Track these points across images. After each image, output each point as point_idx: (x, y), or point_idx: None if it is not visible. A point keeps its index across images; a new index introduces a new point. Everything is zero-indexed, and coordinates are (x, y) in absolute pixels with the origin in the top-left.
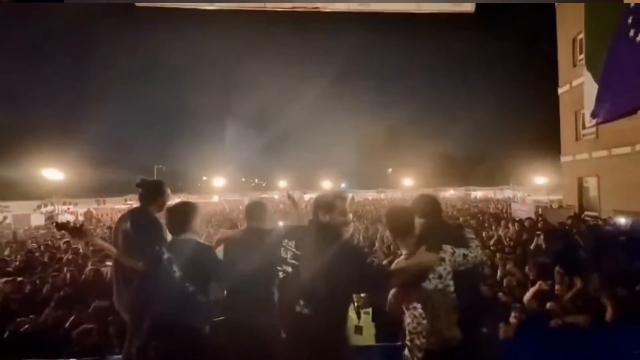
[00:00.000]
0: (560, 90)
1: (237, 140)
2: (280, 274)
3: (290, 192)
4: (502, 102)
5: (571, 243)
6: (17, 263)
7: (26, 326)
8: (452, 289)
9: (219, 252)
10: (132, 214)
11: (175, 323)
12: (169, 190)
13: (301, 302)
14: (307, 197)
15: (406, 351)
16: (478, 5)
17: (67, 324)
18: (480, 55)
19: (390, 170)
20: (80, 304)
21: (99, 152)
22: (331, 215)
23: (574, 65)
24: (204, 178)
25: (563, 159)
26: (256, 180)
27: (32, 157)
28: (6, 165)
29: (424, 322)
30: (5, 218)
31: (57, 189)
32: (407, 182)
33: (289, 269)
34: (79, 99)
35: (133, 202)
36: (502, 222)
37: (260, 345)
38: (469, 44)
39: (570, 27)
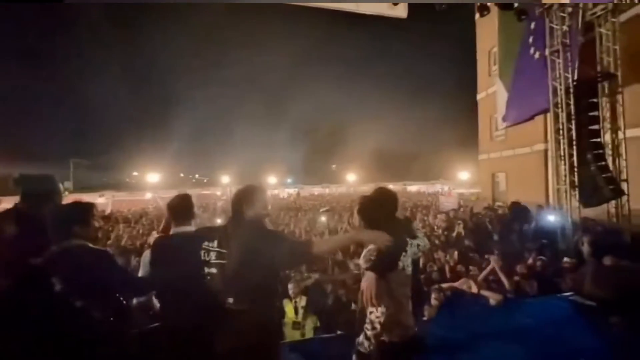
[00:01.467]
0: (478, 97)
1: (176, 133)
2: (204, 278)
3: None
4: (433, 104)
5: (483, 229)
6: None
7: None
8: (410, 278)
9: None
10: (12, 217)
11: (62, 346)
12: (61, 188)
13: (231, 300)
14: None
15: (364, 343)
16: (410, 12)
17: None
18: (414, 60)
19: (334, 166)
20: None
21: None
22: (254, 208)
23: (490, 75)
24: (135, 173)
25: (480, 156)
26: (197, 175)
27: None
28: None
29: (387, 312)
30: None
31: None
32: (351, 177)
33: (214, 270)
34: None
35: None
36: (431, 213)
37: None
38: (403, 49)
39: (487, 40)
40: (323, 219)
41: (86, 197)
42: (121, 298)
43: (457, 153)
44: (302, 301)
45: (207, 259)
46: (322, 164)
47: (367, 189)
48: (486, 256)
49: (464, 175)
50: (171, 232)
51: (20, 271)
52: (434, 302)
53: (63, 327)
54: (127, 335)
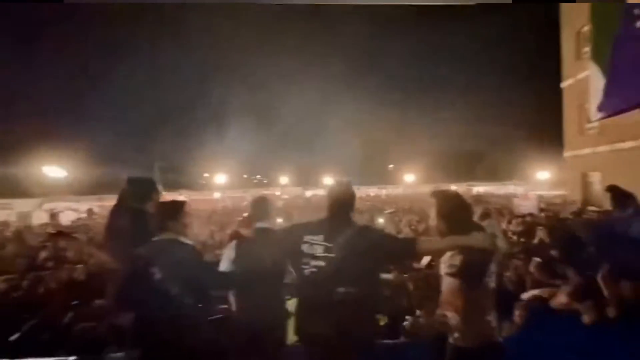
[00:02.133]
0: (563, 84)
1: (239, 137)
2: (310, 270)
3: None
4: (504, 96)
5: (574, 238)
6: (19, 261)
7: (29, 324)
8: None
9: (231, 249)
10: (123, 212)
11: (160, 327)
12: (160, 188)
13: (342, 290)
14: (308, 193)
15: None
16: None
17: (66, 321)
18: (483, 49)
19: (391, 166)
20: (80, 303)
21: (99, 150)
22: (351, 206)
23: (578, 58)
24: (206, 175)
25: (566, 153)
26: (258, 176)
27: (34, 154)
28: (8, 163)
29: (466, 319)
30: (8, 216)
31: (60, 187)
32: (409, 178)
33: (321, 263)
34: (79, 96)
35: None
36: (505, 218)
37: (271, 345)
38: (471, 38)
39: (575, 19)
40: (381, 220)
41: (169, 196)
42: (206, 288)
43: (534, 150)
44: None
45: (312, 252)
46: (378, 164)
47: (427, 190)
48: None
49: (542, 174)
50: (254, 227)
51: (129, 258)
52: (517, 318)
53: (163, 313)
54: (212, 322)
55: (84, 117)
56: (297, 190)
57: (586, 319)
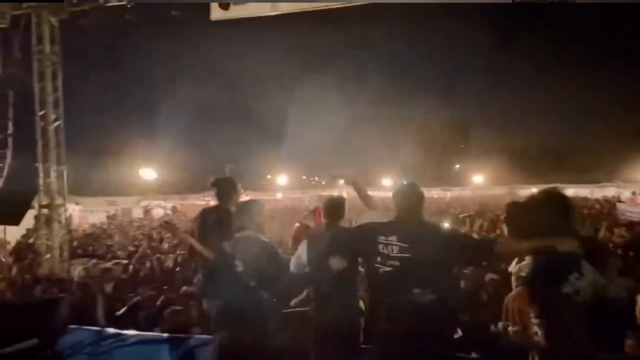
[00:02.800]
0: None
1: (298, 139)
2: (384, 270)
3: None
4: (600, 81)
5: None
6: (121, 252)
7: (130, 303)
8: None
9: (303, 247)
10: (210, 211)
11: (238, 315)
12: (240, 187)
13: (417, 291)
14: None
15: None
16: None
17: (160, 303)
18: (572, 33)
19: (457, 166)
20: (170, 288)
21: (180, 154)
22: (421, 207)
23: None
24: (268, 176)
25: None
26: (316, 178)
27: (130, 158)
28: (112, 165)
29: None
30: (116, 211)
31: (151, 187)
32: (478, 179)
33: (397, 263)
34: (156, 106)
35: (209, 199)
36: (605, 225)
37: (345, 343)
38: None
39: None
40: (447, 225)
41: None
42: (280, 287)
43: (628, 147)
44: None
45: (387, 252)
46: (442, 163)
47: (498, 192)
48: None
49: None
50: (324, 227)
51: (216, 252)
52: (627, 348)
53: (242, 303)
54: (289, 316)
55: (161, 123)
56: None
57: None
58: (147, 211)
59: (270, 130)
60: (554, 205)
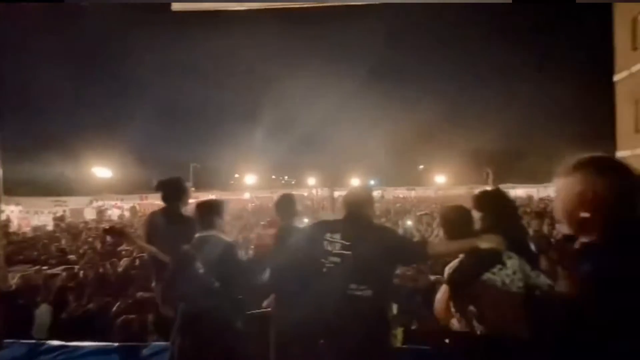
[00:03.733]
0: (616, 77)
1: (267, 138)
2: (328, 265)
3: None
4: (545, 91)
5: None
6: (72, 255)
7: (78, 312)
8: (520, 288)
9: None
10: (159, 213)
11: (202, 318)
12: (189, 186)
13: (354, 286)
14: (336, 194)
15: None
16: None
17: (112, 311)
18: (523, 39)
19: (421, 167)
20: (123, 295)
21: (140, 151)
22: (370, 208)
23: (635, 49)
24: (236, 175)
25: (619, 153)
26: (286, 177)
27: (83, 156)
28: (62, 164)
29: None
30: (64, 212)
31: (106, 186)
32: (440, 179)
33: (337, 259)
34: (118, 102)
35: None
36: (545, 222)
37: (307, 336)
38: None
39: (630, 5)
40: (409, 222)
41: (202, 196)
42: (243, 283)
43: (581, 149)
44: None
45: (331, 249)
46: (407, 164)
47: (459, 192)
48: None
49: None
50: (280, 225)
51: (174, 256)
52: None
53: (206, 305)
54: (254, 317)
55: (123, 120)
56: (324, 191)
57: None
58: (100, 212)
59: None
60: (491, 205)
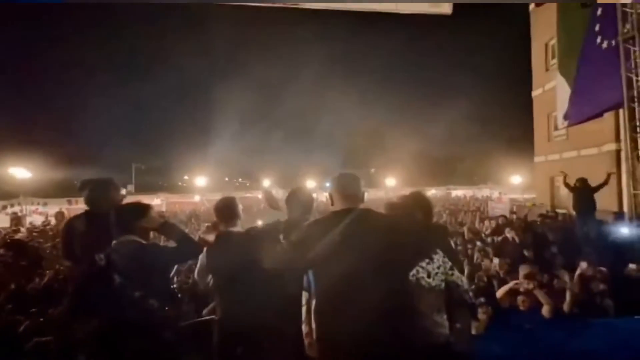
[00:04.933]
0: (534, 94)
1: (221, 138)
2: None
3: (268, 189)
4: (479, 103)
5: (541, 238)
6: None
7: None
8: (441, 288)
9: (202, 256)
10: (79, 218)
11: (126, 333)
12: (120, 189)
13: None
14: None
15: None
16: (455, 7)
17: (21, 331)
18: (460, 56)
19: (373, 170)
20: (35, 313)
21: (71, 150)
22: (307, 207)
23: (547, 70)
24: (186, 177)
25: (536, 159)
26: (240, 179)
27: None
28: None
29: None
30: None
31: (25, 189)
32: (390, 181)
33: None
34: (49, 96)
35: None
36: (478, 219)
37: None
38: (448, 45)
39: (543, 32)
40: None
41: (144, 199)
42: (174, 289)
43: (507, 155)
44: None
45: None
46: (360, 167)
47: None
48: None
49: (516, 179)
50: (219, 232)
51: (87, 266)
52: (481, 316)
53: (124, 315)
54: (180, 325)
55: (57, 116)
56: (280, 192)
57: (545, 309)
58: (16, 218)
59: (190, 127)
60: (417, 206)
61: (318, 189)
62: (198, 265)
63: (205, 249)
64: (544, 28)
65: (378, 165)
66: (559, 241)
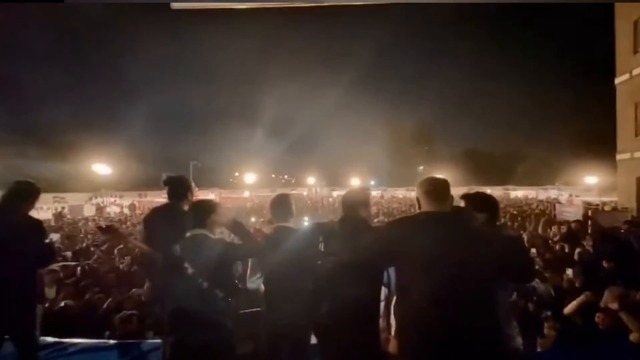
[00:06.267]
0: (617, 80)
1: (268, 137)
2: (321, 267)
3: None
4: (547, 93)
5: (627, 249)
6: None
7: (74, 308)
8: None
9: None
10: (160, 210)
11: (192, 319)
12: (194, 185)
13: (346, 288)
14: (335, 194)
15: None
16: None
17: (105, 307)
18: (523, 41)
19: (421, 168)
20: (118, 291)
21: (140, 149)
22: (365, 210)
23: (636, 52)
24: (236, 174)
25: (619, 156)
26: (286, 176)
27: (83, 152)
28: (61, 160)
29: None
30: (63, 208)
31: (106, 183)
32: None
33: (331, 261)
34: (119, 98)
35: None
36: (543, 224)
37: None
38: (509, 29)
39: (631, 8)
40: None
41: (200, 194)
42: (237, 283)
43: (580, 152)
44: None
45: (327, 250)
46: (407, 165)
47: (457, 193)
48: None
49: (590, 179)
50: (274, 226)
51: (165, 254)
52: (548, 331)
53: (196, 306)
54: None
55: (124, 118)
56: (324, 190)
57: (634, 336)
58: (99, 208)
59: (241, 127)
60: (484, 207)
61: (365, 186)
62: (250, 262)
63: (264, 242)
64: (632, 3)
65: (427, 163)
66: None
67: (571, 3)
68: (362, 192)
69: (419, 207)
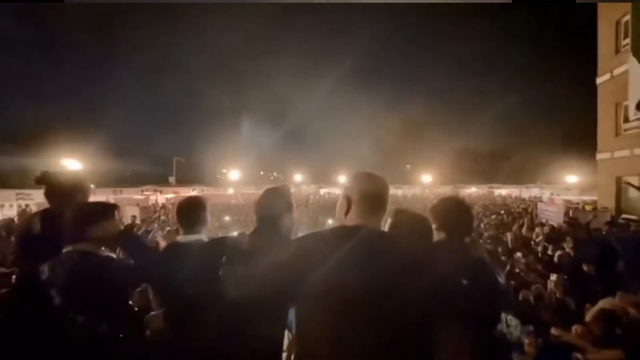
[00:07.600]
0: (599, 80)
1: (256, 133)
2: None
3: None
4: (530, 93)
5: (608, 252)
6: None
7: None
8: None
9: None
10: (38, 216)
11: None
12: (88, 186)
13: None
14: (322, 191)
15: None
16: None
17: None
18: (506, 41)
19: (408, 166)
20: None
21: (117, 144)
22: (286, 217)
23: (617, 52)
24: (224, 170)
25: (599, 156)
26: (275, 173)
27: (52, 148)
28: (28, 155)
29: None
30: (27, 206)
31: None
32: (426, 178)
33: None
34: (98, 93)
35: (149, 193)
36: (525, 224)
37: None
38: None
39: (614, 8)
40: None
41: (182, 190)
42: (135, 309)
43: (562, 151)
44: None
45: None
46: (395, 163)
47: (444, 191)
48: None
49: (571, 178)
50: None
51: (26, 276)
52: (527, 348)
53: (62, 345)
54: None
55: (101, 113)
56: (312, 188)
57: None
58: None
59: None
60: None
61: (285, 184)
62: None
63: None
64: (614, 3)
65: (414, 161)
66: (629, 255)
67: (555, 3)
68: (281, 194)
69: (347, 211)
